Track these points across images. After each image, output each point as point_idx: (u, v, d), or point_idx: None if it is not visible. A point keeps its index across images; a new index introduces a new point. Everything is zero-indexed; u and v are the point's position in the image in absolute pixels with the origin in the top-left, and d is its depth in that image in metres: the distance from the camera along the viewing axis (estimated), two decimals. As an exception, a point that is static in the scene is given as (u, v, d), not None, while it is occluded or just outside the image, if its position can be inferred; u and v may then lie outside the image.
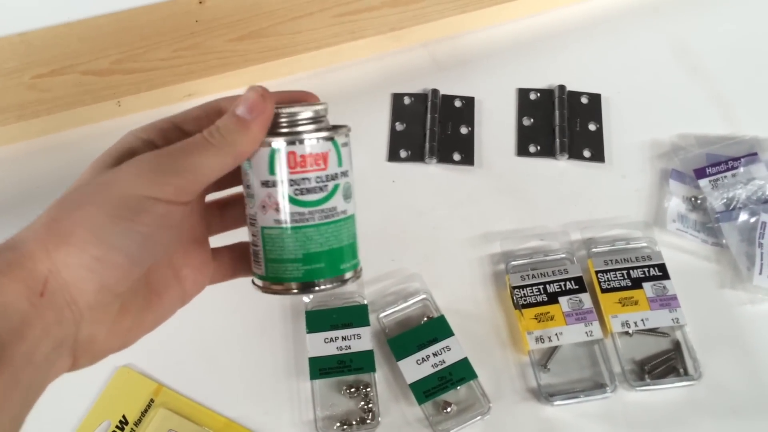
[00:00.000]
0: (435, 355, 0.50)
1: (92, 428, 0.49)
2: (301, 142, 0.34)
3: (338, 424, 0.49)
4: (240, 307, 0.54)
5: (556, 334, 0.51)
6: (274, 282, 0.35)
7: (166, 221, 0.31)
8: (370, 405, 0.49)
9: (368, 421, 0.49)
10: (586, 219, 0.58)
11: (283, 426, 0.50)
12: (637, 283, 0.53)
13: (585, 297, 0.52)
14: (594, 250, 0.55)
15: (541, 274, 0.53)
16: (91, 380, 0.51)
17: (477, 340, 0.52)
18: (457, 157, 0.61)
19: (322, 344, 0.51)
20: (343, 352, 0.50)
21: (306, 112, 0.35)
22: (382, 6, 0.67)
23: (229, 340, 0.53)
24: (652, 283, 0.53)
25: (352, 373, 0.50)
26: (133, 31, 0.65)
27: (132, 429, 0.49)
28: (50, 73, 0.62)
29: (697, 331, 0.52)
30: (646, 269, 0.53)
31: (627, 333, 0.52)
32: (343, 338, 0.51)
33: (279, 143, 0.33)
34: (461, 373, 0.50)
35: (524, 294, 0.53)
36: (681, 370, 0.50)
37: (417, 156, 0.61)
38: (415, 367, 0.50)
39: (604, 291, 0.53)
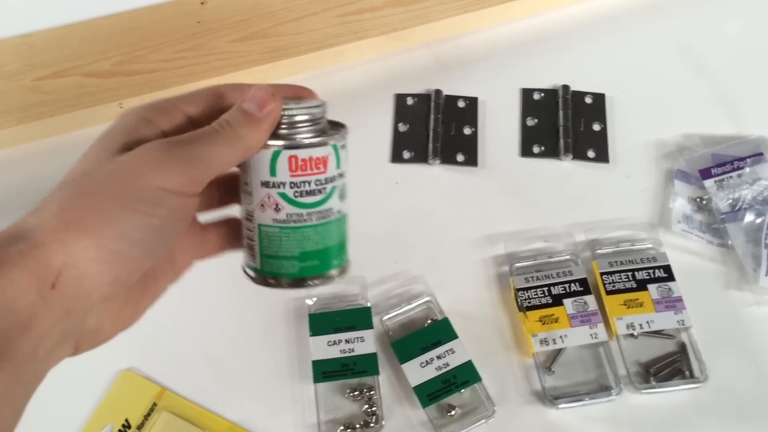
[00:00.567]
0: (439, 357, 0.50)
1: (95, 432, 0.49)
2: (303, 146, 0.34)
3: (342, 428, 0.49)
4: (243, 310, 0.54)
5: (561, 337, 0.50)
6: (268, 276, 0.35)
7: (180, 213, 0.31)
8: (373, 408, 0.49)
9: (372, 425, 0.49)
10: (590, 220, 0.57)
11: (287, 429, 0.49)
12: (642, 285, 0.52)
13: (590, 299, 0.52)
14: (598, 251, 0.55)
15: (545, 275, 0.53)
16: (94, 384, 0.51)
17: (481, 343, 0.52)
18: (460, 157, 0.61)
19: (326, 347, 0.51)
20: (347, 355, 0.50)
21: (307, 114, 0.35)
22: (384, 6, 0.66)
23: (232, 343, 0.53)
24: (657, 284, 0.52)
25: (356, 377, 0.50)
26: (135, 33, 0.65)
27: (135, 433, 0.49)
28: (52, 75, 0.62)
29: (702, 332, 0.52)
30: (651, 271, 0.53)
31: (632, 335, 0.51)
32: (347, 341, 0.51)
33: (281, 145, 0.33)
34: (465, 376, 0.49)
35: (528, 296, 0.52)
36: (687, 373, 0.50)
37: (420, 157, 0.61)
38: (419, 370, 0.50)
39: (609, 293, 0.52)
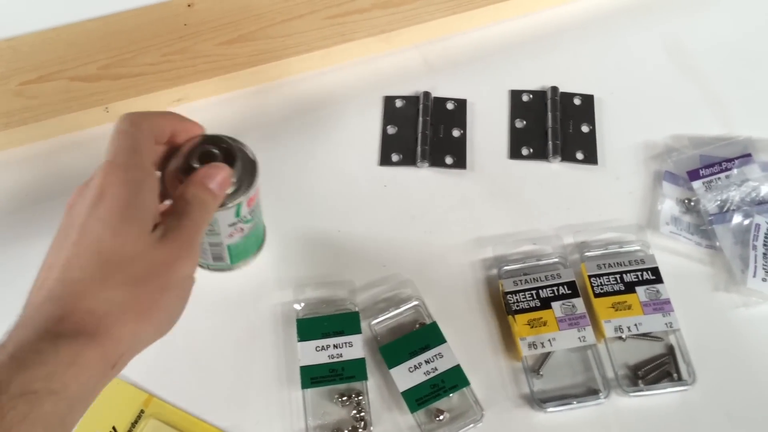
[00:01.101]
0: (427, 362, 0.50)
1: (82, 440, 0.49)
2: (250, 192, 0.46)
3: (330, 433, 0.49)
4: (230, 317, 0.54)
5: (549, 340, 0.50)
6: (235, 264, 0.53)
7: (191, 287, 0.41)
8: (362, 413, 0.49)
9: (360, 430, 0.48)
10: (579, 222, 0.57)
11: (276, 435, 0.49)
12: (630, 288, 0.52)
13: (578, 302, 0.52)
14: (587, 254, 0.55)
15: (533, 279, 0.53)
16: (81, 391, 0.50)
17: (470, 347, 0.52)
18: (449, 160, 0.61)
19: (314, 353, 0.50)
20: (335, 360, 0.50)
21: (252, 170, 0.47)
22: (372, 8, 0.66)
23: (220, 349, 0.52)
24: (645, 287, 0.52)
25: (344, 382, 0.50)
26: (121, 36, 0.64)
27: (123, 440, 0.49)
28: (38, 80, 0.62)
29: (691, 334, 0.52)
30: (639, 273, 0.53)
31: (620, 338, 0.51)
32: (335, 346, 0.51)
33: (240, 199, 0.45)
34: (454, 380, 0.49)
35: (517, 299, 0.52)
36: (675, 375, 0.50)
37: (409, 160, 0.61)
38: (408, 375, 0.50)
39: (597, 296, 0.52)
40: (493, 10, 0.67)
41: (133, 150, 0.38)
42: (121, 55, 0.63)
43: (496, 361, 0.52)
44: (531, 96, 0.64)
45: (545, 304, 0.52)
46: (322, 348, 0.51)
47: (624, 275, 0.53)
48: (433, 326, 0.51)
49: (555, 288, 0.53)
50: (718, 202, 0.56)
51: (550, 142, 0.61)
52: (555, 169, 0.60)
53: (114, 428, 0.49)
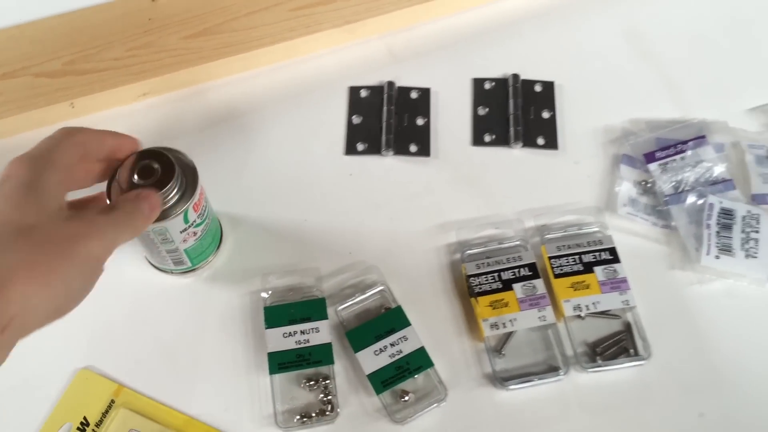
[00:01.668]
0: (392, 345, 0.51)
1: (53, 431, 0.49)
2: (194, 198, 0.48)
3: (298, 417, 0.50)
4: (200, 308, 0.55)
5: (511, 320, 0.52)
6: (197, 265, 0.55)
7: (98, 276, 0.40)
8: (329, 397, 0.50)
9: (328, 413, 0.50)
10: (540, 206, 0.58)
11: (244, 421, 0.50)
12: (588, 268, 0.54)
13: (538, 283, 0.53)
14: (547, 236, 0.56)
15: (495, 261, 0.54)
16: (52, 383, 0.51)
17: (434, 329, 0.53)
18: (413, 148, 0.62)
19: (281, 339, 0.51)
20: (302, 345, 0.51)
21: (193, 177, 0.49)
22: (335, -1, 0.67)
23: (189, 340, 0.53)
24: (603, 266, 0.54)
25: (311, 366, 0.51)
26: (86, 32, 0.64)
27: (93, 430, 0.50)
28: (2, 77, 0.62)
29: (647, 311, 0.53)
30: (597, 254, 0.54)
31: (579, 316, 0.53)
32: (302, 332, 0.52)
33: (186, 207, 0.48)
34: (418, 362, 0.51)
35: (479, 282, 0.53)
36: (631, 351, 0.52)
37: (374, 148, 0.62)
38: (373, 358, 0.51)
39: (556, 276, 0.54)
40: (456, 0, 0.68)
41: (48, 150, 0.40)
42: (85, 50, 0.63)
43: (460, 343, 0.53)
44: (493, 84, 0.65)
45: (507, 285, 0.53)
46: (290, 334, 0.52)
47: (582, 256, 0.54)
48: (398, 310, 0.53)
49: (516, 270, 0.54)
50: (674, 183, 0.58)
51: (511, 129, 0.62)
52: (516, 154, 0.62)
53: (85, 418, 0.50)
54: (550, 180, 0.60)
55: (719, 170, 0.58)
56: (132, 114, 0.63)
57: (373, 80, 0.65)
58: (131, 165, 0.46)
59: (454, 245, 0.57)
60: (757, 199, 0.57)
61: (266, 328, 0.52)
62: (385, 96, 0.64)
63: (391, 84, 0.64)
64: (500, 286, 0.53)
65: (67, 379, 0.51)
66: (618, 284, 0.53)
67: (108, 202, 0.47)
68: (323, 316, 0.52)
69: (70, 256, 0.37)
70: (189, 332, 0.54)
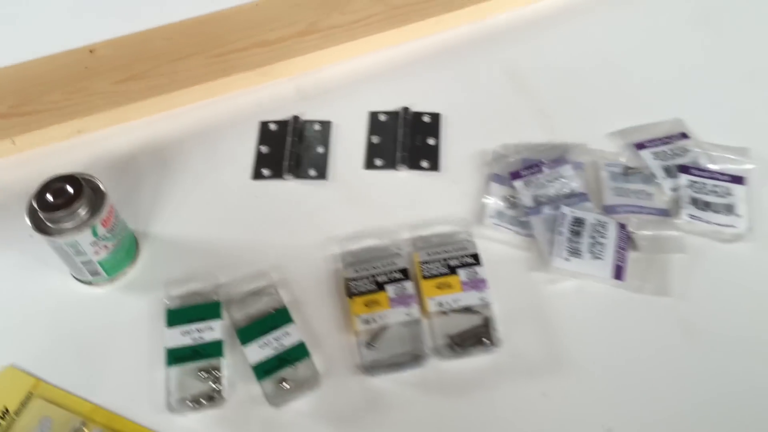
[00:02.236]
0: (276, 339, 0.58)
1: (-24, 420, 0.56)
2: (101, 215, 0.57)
3: (189, 403, 0.56)
4: (114, 312, 0.62)
5: (381, 316, 0.59)
6: (113, 276, 0.63)
7: None
8: (218, 385, 0.57)
9: (216, 399, 0.56)
10: (419, 220, 0.66)
11: (144, 407, 0.57)
12: (453, 270, 0.61)
13: (408, 284, 0.61)
14: (420, 245, 0.64)
15: (372, 267, 0.62)
16: (-23, 378, 0.58)
17: (318, 327, 0.60)
18: (312, 173, 0.70)
19: (179, 336, 0.59)
20: (197, 342, 0.58)
21: (101, 198, 0.58)
22: (251, 47, 0.77)
23: (103, 339, 0.60)
24: (465, 269, 0.61)
25: (203, 359, 0.58)
26: (31, 80, 0.74)
27: (12, 418, 0.56)
28: (-47, 118, 0.71)
29: (506, 307, 0.60)
30: (462, 258, 0.62)
31: (444, 312, 0.60)
32: (198, 330, 0.59)
33: (93, 222, 0.56)
34: (297, 353, 0.58)
35: (357, 285, 0.61)
36: (486, 341, 0.58)
37: (277, 174, 0.70)
38: (258, 351, 0.58)
39: (425, 278, 0.61)
40: (357, 44, 0.77)
41: None
42: (28, 95, 0.73)
43: (338, 338, 0.60)
44: (387, 116, 0.74)
45: (380, 287, 0.61)
46: (187, 332, 0.59)
47: (449, 261, 0.62)
48: (284, 310, 0.60)
49: (389, 274, 0.61)
50: (534, 197, 0.65)
51: (398, 154, 0.70)
52: (402, 176, 0.70)
53: (6, 408, 0.57)
54: (430, 197, 0.68)
55: (575, 185, 0.66)
56: (68, 150, 0.72)
57: (282, 116, 0.74)
58: (46, 184, 0.55)
59: (339, 255, 0.64)
60: (608, 210, 0.65)
61: (167, 327, 0.59)
62: (290, 128, 0.72)
63: (296, 118, 0.73)
64: (374, 287, 0.61)
65: (-9, 375, 0.58)
66: (477, 284, 0.60)
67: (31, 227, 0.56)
68: (217, 316, 0.60)
69: None
70: (103, 334, 0.61)
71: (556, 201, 0.65)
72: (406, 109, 0.73)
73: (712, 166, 0.67)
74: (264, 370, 0.57)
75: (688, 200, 0.64)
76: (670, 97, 0.73)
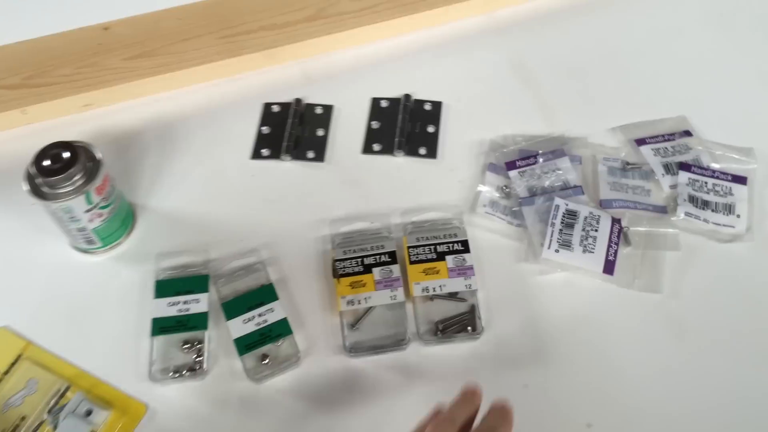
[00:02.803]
0: (260, 315, 0.59)
1: (-32, 377, 0.58)
2: (95, 182, 0.58)
3: (171, 373, 0.57)
4: (106, 281, 0.63)
5: (366, 298, 0.59)
6: (108, 245, 0.64)
7: None
8: (200, 358, 0.58)
9: (196, 370, 0.57)
10: (412, 205, 0.66)
11: (128, 375, 0.58)
12: (441, 256, 0.61)
13: (395, 267, 0.61)
14: (411, 229, 0.64)
15: (361, 249, 0.62)
16: (-30, 337, 0.60)
17: (303, 305, 0.61)
18: (310, 155, 0.71)
19: (165, 307, 0.60)
20: (182, 313, 0.59)
21: (97, 166, 0.59)
22: (259, 29, 0.77)
23: (93, 307, 0.62)
24: (453, 255, 0.61)
25: (187, 331, 0.58)
26: (45, 53, 0.76)
27: (1, 378, 0.58)
28: (-31, 88, 0.73)
29: (494, 296, 0.60)
30: (450, 244, 0.62)
31: (430, 298, 0.60)
32: (184, 302, 0.60)
33: (87, 189, 0.57)
34: (279, 330, 0.58)
35: (344, 266, 0.61)
36: (470, 329, 0.58)
37: (276, 154, 0.71)
38: (241, 326, 0.58)
39: (412, 262, 0.61)
40: (365, 32, 0.77)
41: None
42: (42, 68, 0.75)
43: (323, 317, 0.60)
44: (389, 102, 0.74)
45: (367, 269, 0.61)
46: (173, 304, 0.60)
47: (437, 246, 0.62)
48: (270, 287, 0.60)
49: (377, 256, 0.61)
50: (529, 188, 0.65)
51: (397, 139, 0.70)
52: (399, 162, 0.70)
53: (-5, 368, 0.58)
54: (425, 184, 0.68)
55: (571, 178, 0.65)
56: (76, 123, 0.74)
57: (286, 98, 0.75)
58: (43, 150, 0.56)
59: (331, 236, 0.65)
60: (603, 204, 0.64)
61: (154, 298, 0.60)
62: (292, 110, 0.73)
63: (298, 101, 0.74)
64: (361, 269, 0.61)
65: (-16, 335, 0.60)
66: (465, 271, 0.60)
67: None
68: (204, 290, 0.60)
69: None
70: (94, 302, 0.62)
71: (550, 192, 0.64)
72: (407, 96, 0.73)
73: (714, 165, 0.65)
74: (246, 345, 0.57)
75: (686, 198, 0.63)
76: (676, 94, 0.72)
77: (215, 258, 0.64)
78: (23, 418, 0.56)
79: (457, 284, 0.60)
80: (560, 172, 0.65)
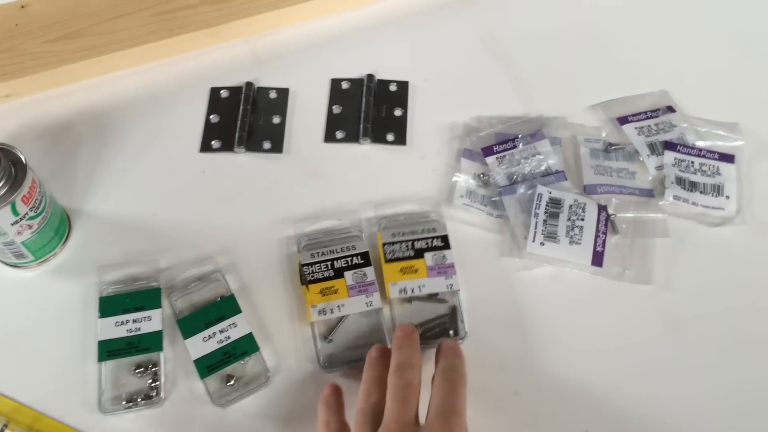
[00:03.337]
0: (221, 332, 0.53)
1: None
2: (21, 191, 0.50)
3: (124, 402, 0.51)
4: (42, 298, 0.56)
5: (339, 306, 0.54)
6: (41, 258, 0.57)
7: None
8: (156, 383, 0.51)
9: (153, 397, 0.51)
10: (383, 198, 0.60)
11: (74, 406, 0.51)
12: (419, 254, 0.56)
13: (369, 270, 0.55)
14: (385, 225, 0.58)
15: (330, 251, 0.56)
16: None
17: (269, 317, 0.55)
18: (266, 145, 0.64)
19: (113, 327, 0.53)
20: (133, 333, 0.52)
21: (22, 172, 0.51)
22: (200, 4, 0.69)
23: (28, 329, 0.54)
24: (433, 252, 0.56)
25: (140, 353, 0.52)
26: (-48, 37, 0.66)
27: None
28: None
29: (475, 296, 0.55)
30: (429, 240, 0.57)
31: (408, 301, 0.55)
32: (134, 321, 0.53)
33: (12, 199, 0.49)
34: (244, 347, 0.52)
35: (312, 270, 0.55)
36: (451, 332, 0.53)
37: (228, 146, 0.64)
38: (201, 344, 0.52)
39: (387, 261, 0.56)
40: (318, 4, 0.70)
41: None
42: (-50, 55, 0.65)
43: (292, 329, 0.55)
44: (350, 83, 0.67)
45: (338, 273, 0.55)
46: (122, 323, 0.53)
47: (415, 242, 0.56)
48: (231, 299, 0.54)
49: (348, 258, 0.56)
50: (508, 175, 0.60)
51: (361, 126, 0.64)
52: (365, 150, 0.64)
53: None
54: (395, 174, 0.62)
55: (553, 162, 0.61)
56: (-6, 115, 0.65)
57: (235, 82, 0.67)
58: None
59: (294, 237, 0.59)
60: (588, 190, 0.60)
61: (99, 317, 0.53)
62: (243, 96, 0.66)
63: (249, 84, 0.66)
64: (332, 274, 0.55)
65: None
66: (445, 269, 0.55)
67: None
68: (156, 305, 0.54)
69: None
70: (29, 323, 0.55)
71: (531, 179, 0.60)
72: (370, 77, 0.67)
73: (700, 143, 0.62)
74: (207, 366, 0.51)
75: (674, 180, 0.60)
76: (656, 68, 0.68)
77: (166, 268, 0.57)
78: (-48, 467, 0.49)
79: (437, 284, 0.55)
80: (540, 156, 0.61)
